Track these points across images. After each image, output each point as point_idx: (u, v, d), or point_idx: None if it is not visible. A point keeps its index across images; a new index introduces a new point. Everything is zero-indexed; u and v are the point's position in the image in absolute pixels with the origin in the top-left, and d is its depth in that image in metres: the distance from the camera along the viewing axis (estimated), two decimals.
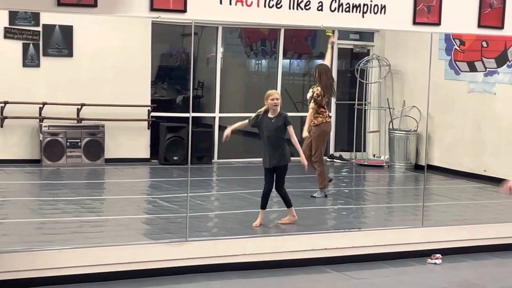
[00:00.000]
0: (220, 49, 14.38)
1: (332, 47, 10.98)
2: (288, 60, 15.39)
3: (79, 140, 12.86)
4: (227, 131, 8.63)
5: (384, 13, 7.96)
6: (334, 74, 15.20)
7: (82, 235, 8.04)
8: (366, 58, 15.22)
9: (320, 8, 7.71)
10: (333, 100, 15.11)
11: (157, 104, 13.72)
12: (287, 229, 8.60)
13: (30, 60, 12.75)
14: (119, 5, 6.83)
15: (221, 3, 7.26)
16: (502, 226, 9.01)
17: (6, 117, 12.58)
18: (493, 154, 13.03)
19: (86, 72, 13.06)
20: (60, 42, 12.92)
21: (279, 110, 8.60)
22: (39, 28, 12.75)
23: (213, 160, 13.92)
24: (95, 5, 6.67)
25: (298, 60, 15.77)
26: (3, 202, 9.68)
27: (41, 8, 7.74)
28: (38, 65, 12.82)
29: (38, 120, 12.77)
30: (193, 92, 14.54)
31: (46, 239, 7.72)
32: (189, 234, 7.51)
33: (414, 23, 8.12)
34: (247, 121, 8.84)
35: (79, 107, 12.92)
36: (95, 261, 6.92)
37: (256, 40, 15.20)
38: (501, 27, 8.53)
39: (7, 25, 12.56)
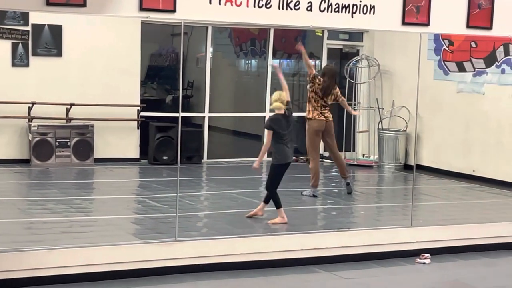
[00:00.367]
0: (209, 49, 14.37)
1: (305, 52, 10.98)
2: (278, 60, 15.41)
3: (68, 140, 12.83)
4: (256, 165, 8.89)
5: (373, 13, 7.99)
6: None
7: (71, 235, 8.02)
8: (355, 58, 15.26)
9: (309, 8, 7.73)
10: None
11: (146, 104, 13.70)
12: (276, 229, 8.61)
13: (19, 60, 12.71)
14: (108, 5, 6.83)
15: (210, 3, 7.26)
16: (491, 226, 9.05)
17: None
18: (481, 154, 13.08)
19: (75, 72, 13.04)
20: (49, 41, 12.89)
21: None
22: (28, 28, 12.72)
23: (202, 160, 13.92)
24: (84, 4, 6.66)
25: (288, 60, 15.80)
26: None
27: (30, 8, 7.73)
28: (27, 65, 12.78)
29: (27, 120, 12.73)
30: (182, 92, 14.54)
31: (35, 239, 7.70)
32: (179, 234, 7.51)
33: (403, 23, 8.15)
34: (266, 142, 8.92)
35: (69, 106, 12.89)
36: (84, 261, 6.91)
37: (245, 40, 15.21)
38: (490, 27, 8.57)
39: None
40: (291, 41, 15.26)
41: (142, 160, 13.56)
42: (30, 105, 12.67)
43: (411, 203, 9.31)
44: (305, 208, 10.02)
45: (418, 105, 10.10)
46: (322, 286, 7.35)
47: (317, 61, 15.40)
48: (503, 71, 12.75)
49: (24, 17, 12.60)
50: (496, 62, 12.86)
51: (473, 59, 13.26)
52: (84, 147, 12.93)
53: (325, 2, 7.76)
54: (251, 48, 15.25)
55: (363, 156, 15.04)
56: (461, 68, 13.47)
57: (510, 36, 8.96)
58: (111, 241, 7.66)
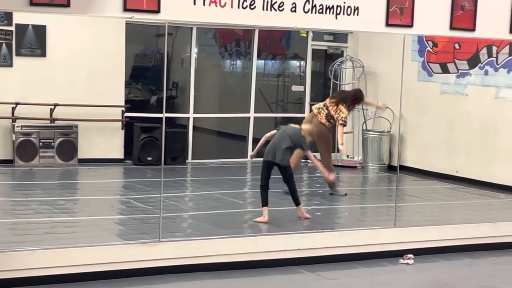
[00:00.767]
0: (194, 50, 14.37)
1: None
2: (263, 61, 15.43)
3: (52, 140, 12.79)
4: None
5: (357, 14, 8.01)
6: (308, 75, 15.33)
7: (55, 236, 8.00)
8: (340, 59, 15.30)
9: (293, 9, 7.74)
10: (307, 100, 15.20)
11: (131, 104, 13.68)
12: (260, 230, 8.62)
13: (2, 60, 12.66)
14: (92, 5, 6.81)
15: (194, 3, 7.26)
16: (473, 227, 9.08)
17: None
18: (465, 155, 13.15)
19: (59, 72, 13.00)
20: (33, 41, 12.84)
21: None
22: (12, 28, 12.66)
23: (187, 161, 13.91)
24: (68, 5, 6.64)
25: (273, 61, 15.81)
26: None
27: (13, 8, 7.69)
28: (11, 65, 12.73)
29: (10, 120, 12.68)
30: (167, 93, 14.53)
31: (19, 240, 7.68)
32: (163, 234, 7.50)
33: (387, 24, 8.17)
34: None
35: (52, 107, 12.85)
36: (68, 262, 6.89)
37: (230, 41, 15.22)
38: (473, 29, 8.61)
39: None
40: (275, 42, 15.29)
41: (126, 161, 13.54)
42: (14, 106, 12.61)
43: (395, 204, 9.34)
44: (289, 209, 10.03)
45: (402, 106, 10.13)
46: (305, 286, 7.37)
47: (302, 62, 15.43)
48: (486, 73, 12.82)
49: (7, 17, 12.55)
50: (480, 64, 12.93)
51: (456, 61, 13.33)
52: (68, 148, 12.89)
53: (309, 3, 7.78)
54: (236, 49, 15.26)
55: (347, 157, 15.07)
56: (445, 70, 13.54)
57: (493, 38, 9.01)
58: (94, 242, 7.64)
